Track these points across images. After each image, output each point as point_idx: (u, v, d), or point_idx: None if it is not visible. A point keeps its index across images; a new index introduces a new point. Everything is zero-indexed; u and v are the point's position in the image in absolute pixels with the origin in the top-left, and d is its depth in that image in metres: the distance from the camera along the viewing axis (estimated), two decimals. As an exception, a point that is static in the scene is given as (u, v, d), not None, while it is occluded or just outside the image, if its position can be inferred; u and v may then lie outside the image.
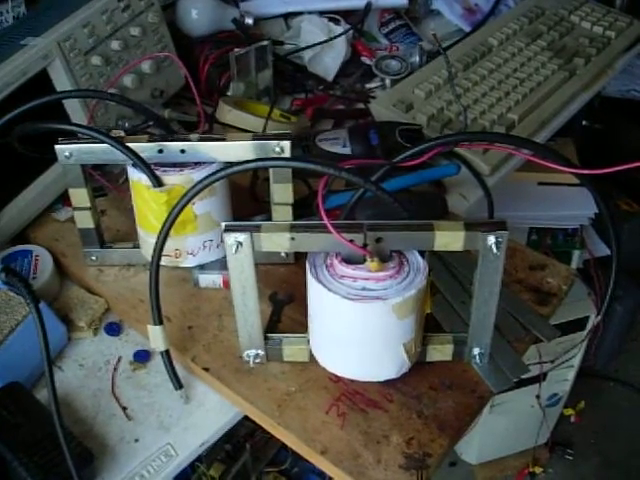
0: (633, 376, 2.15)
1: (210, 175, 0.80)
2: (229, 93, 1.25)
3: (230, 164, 0.82)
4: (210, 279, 0.96)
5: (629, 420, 2.06)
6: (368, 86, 1.37)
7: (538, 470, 1.92)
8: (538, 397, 1.57)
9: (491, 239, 0.74)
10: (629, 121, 1.78)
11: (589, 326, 1.59)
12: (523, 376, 0.87)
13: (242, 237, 0.75)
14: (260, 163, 0.82)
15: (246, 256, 0.76)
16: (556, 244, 1.50)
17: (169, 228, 0.82)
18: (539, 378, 1.47)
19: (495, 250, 0.74)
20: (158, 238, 0.83)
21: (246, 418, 0.90)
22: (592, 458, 2.00)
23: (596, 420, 2.03)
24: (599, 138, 1.74)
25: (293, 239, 0.75)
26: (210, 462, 1.35)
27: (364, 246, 0.75)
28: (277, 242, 0.76)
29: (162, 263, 0.85)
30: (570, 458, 1.98)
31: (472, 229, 0.74)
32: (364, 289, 0.76)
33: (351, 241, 0.74)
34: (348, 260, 0.77)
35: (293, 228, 0.75)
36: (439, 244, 0.75)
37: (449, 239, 0.75)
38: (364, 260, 0.76)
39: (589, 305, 1.56)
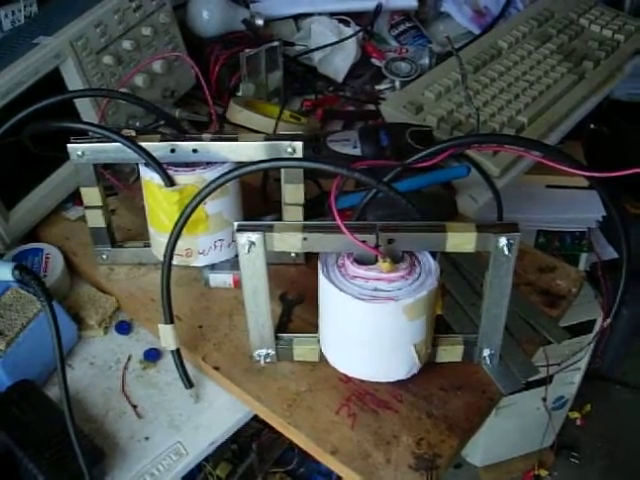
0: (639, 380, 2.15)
1: (223, 175, 0.81)
2: (239, 94, 1.25)
3: (242, 164, 0.82)
4: (221, 279, 0.96)
5: (635, 423, 2.06)
6: (378, 88, 1.37)
7: (543, 473, 1.91)
8: (544, 400, 1.56)
9: (503, 241, 0.74)
10: (637, 124, 1.78)
11: (596, 329, 1.59)
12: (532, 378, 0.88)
13: (255, 237, 0.75)
14: (274, 163, 0.82)
15: (258, 256, 0.77)
16: (564, 247, 1.49)
17: (181, 227, 0.82)
18: (545, 380, 1.47)
19: (506, 252, 0.74)
20: (170, 237, 0.83)
21: (253, 418, 0.90)
22: (597, 461, 2.00)
23: (602, 423, 2.03)
24: (607, 141, 1.74)
25: (306, 239, 0.75)
26: (217, 462, 1.35)
27: (376, 247, 0.75)
28: (290, 242, 0.76)
29: (173, 262, 0.85)
30: (575, 461, 1.98)
31: (484, 230, 0.74)
32: (376, 290, 0.76)
33: (363, 242, 0.74)
34: (360, 261, 0.77)
35: (306, 228, 0.75)
36: (451, 245, 0.75)
37: (461, 240, 0.75)
38: (376, 261, 0.76)
39: (596, 308, 1.56)
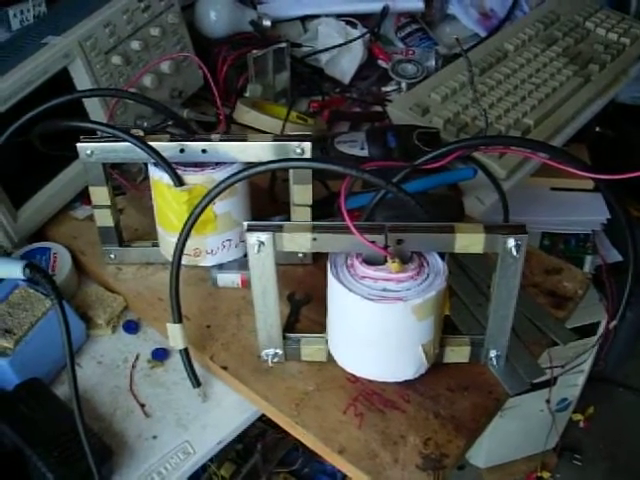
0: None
1: (233, 175, 0.81)
2: (247, 94, 1.25)
3: (251, 164, 0.83)
4: (229, 278, 0.96)
5: (638, 426, 2.05)
6: (384, 89, 1.37)
7: (546, 475, 1.91)
8: (548, 401, 1.57)
9: (511, 242, 0.74)
10: (641, 128, 1.78)
11: (600, 331, 1.59)
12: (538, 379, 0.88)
13: (264, 237, 0.75)
14: (284, 164, 0.83)
15: (268, 256, 0.77)
16: (568, 249, 1.49)
17: (191, 227, 0.82)
18: (549, 382, 1.47)
19: (515, 253, 0.75)
20: (180, 237, 0.83)
21: (257, 418, 0.91)
22: (600, 464, 2.00)
23: (605, 426, 2.03)
24: (611, 144, 1.74)
25: (315, 239, 0.76)
26: (221, 462, 1.35)
27: (385, 247, 0.76)
28: (299, 242, 0.76)
29: (181, 262, 0.86)
30: (578, 463, 1.98)
31: (492, 232, 0.75)
32: (384, 290, 0.77)
33: (373, 242, 0.75)
34: (369, 261, 0.78)
35: (315, 229, 0.76)
36: (459, 246, 0.75)
37: (469, 241, 0.75)
38: (385, 261, 0.76)
39: (600, 310, 1.56)
